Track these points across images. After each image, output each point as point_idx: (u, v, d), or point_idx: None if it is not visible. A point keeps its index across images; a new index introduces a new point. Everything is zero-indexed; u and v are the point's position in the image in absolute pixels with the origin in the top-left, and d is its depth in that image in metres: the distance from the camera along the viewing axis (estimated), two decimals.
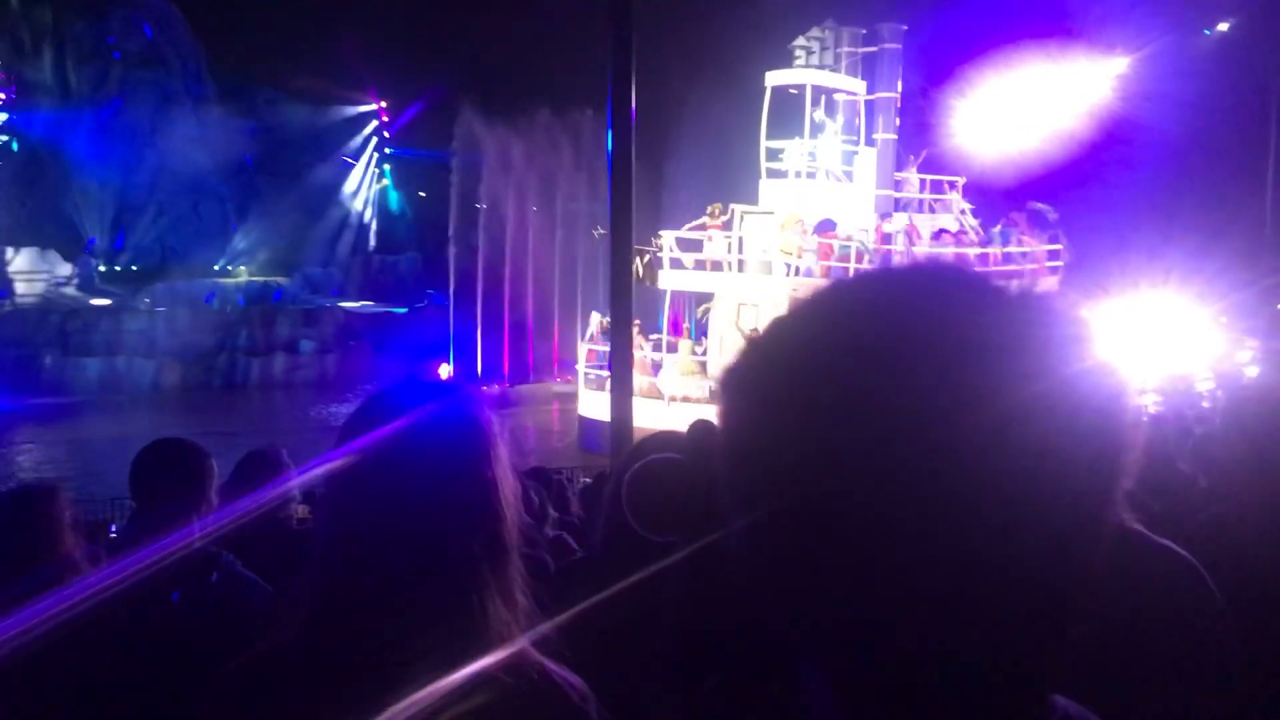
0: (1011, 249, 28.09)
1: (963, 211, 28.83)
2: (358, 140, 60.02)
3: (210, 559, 3.34)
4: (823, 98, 26.84)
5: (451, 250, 41.01)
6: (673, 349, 24.95)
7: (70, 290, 44.22)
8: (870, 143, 27.53)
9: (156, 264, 47.85)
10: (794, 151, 26.46)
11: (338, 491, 1.64)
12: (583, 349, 26.42)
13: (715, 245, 24.98)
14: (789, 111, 26.40)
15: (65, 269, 45.37)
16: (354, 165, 59.60)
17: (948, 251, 25.73)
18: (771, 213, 25.52)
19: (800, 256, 24.26)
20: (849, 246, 24.53)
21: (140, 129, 48.80)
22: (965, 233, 27.35)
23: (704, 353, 25.28)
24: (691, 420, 2.67)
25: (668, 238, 25.19)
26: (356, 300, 50.04)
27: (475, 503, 1.61)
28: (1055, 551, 0.71)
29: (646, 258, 24.94)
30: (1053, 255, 28.73)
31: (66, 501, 3.35)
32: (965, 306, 0.74)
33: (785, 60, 27.54)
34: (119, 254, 48.64)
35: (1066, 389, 0.71)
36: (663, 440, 2.95)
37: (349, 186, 58.97)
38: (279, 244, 51.19)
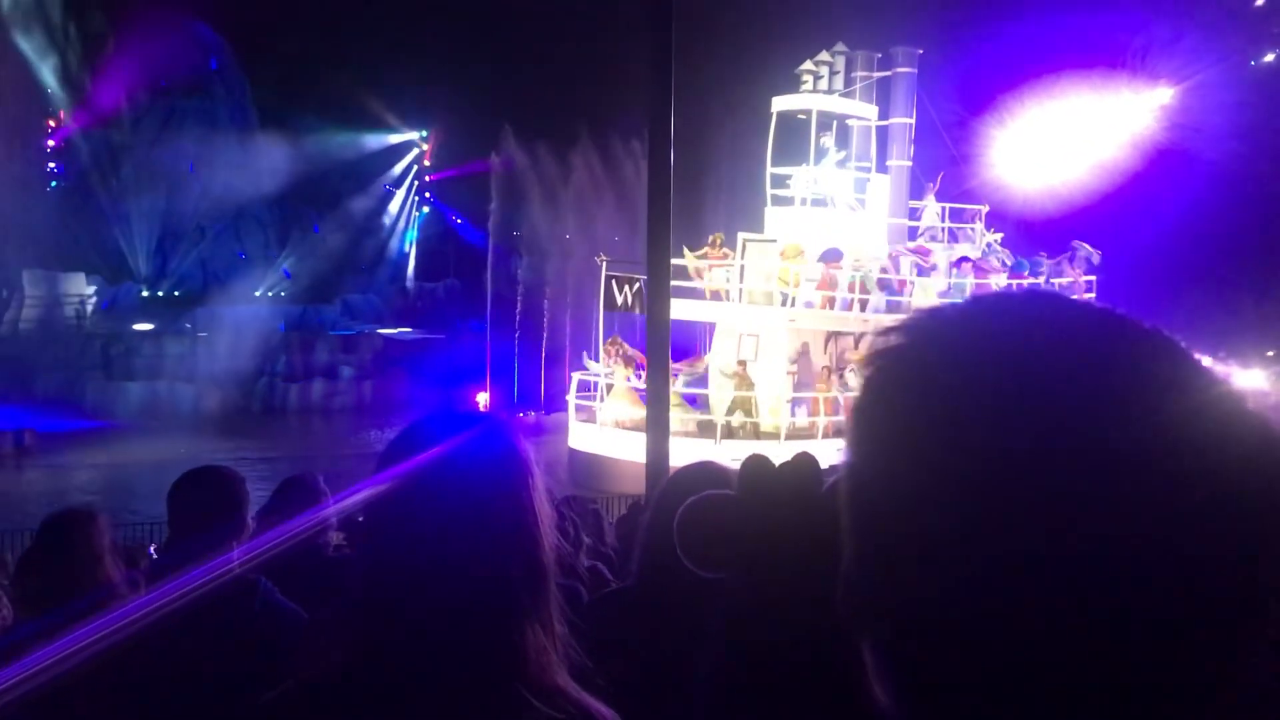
0: (1047, 280, 27.10)
1: (989, 243, 28.01)
2: (398, 168, 60.66)
3: (249, 586, 3.35)
4: (834, 124, 26.16)
5: (489, 277, 41.26)
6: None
7: (113, 315, 44.86)
8: (884, 169, 26.76)
9: (199, 289, 48.46)
10: (801, 178, 25.75)
11: (376, 520, 1.65)
12: (575, 378, 25.64)
13: (715, 276, 24.44)
14: (805, 138, 25.87)
15: (109, 293, 46.08)
16: (394, 193, 60.22)
17: (968, 282, 25.15)
18: (774, 241, 25.00)
19: (798, 286, 23.64)
20: (854, 276, 23.95)
21: (184, 156, 49.59)
22: (988, 261, 26.58)
23: (696, 383, 24.59)
24: (745, 455, 2.65)
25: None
26: (395, 326, 50.39)
27: (513, 532, 1.61)
28: (1207, 637, 0.66)
29: (636, 286, 24.15)
30: (1090, 288, 27.84)
31: (106, 525, 3.38)
32: (1122, 345, 0.70)
33: (795, 85, 26.94)
34: (162, 279, 49.33)
35: (1231, 444, 0.66)
36: (700, 472, 2.93)
37: (389, 214, 59.61)
38: (319, 270, 51.73)
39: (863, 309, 24.00)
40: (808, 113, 25.65)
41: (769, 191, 25.89)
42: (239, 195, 49.47)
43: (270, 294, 50.42)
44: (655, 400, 7.38)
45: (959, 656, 0.69)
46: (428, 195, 61.99)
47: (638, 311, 24.23)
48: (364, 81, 53.80)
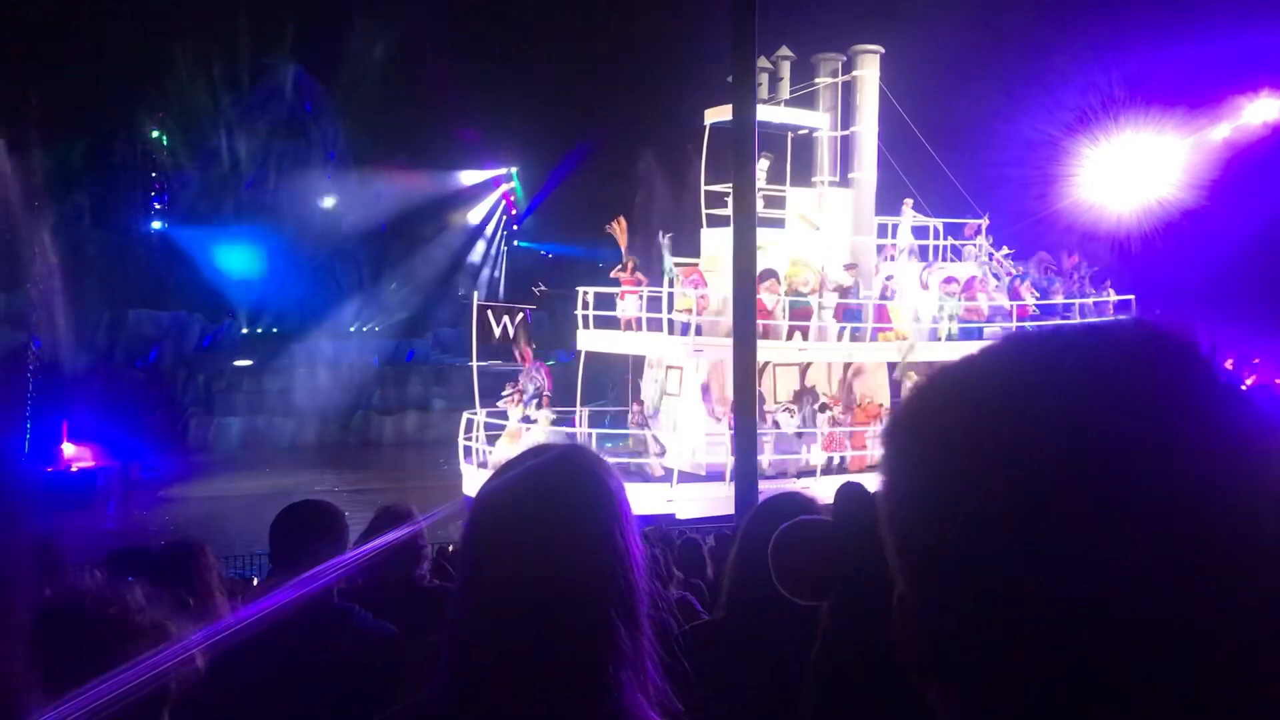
0: (1053, 300, 24.65)
1: (990, 257, 25.35)
2: (487, 203, 61.53)
3: (342, 615, 3.41)
4: (790, 136, 23.80)
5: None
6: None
7: (215, 352, 46.11)
8: (846, 183, 24.16)
9: (295, 326, 49.61)
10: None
11: (472, 556, 1.65)
12: (465, 417, 23.70)
13: (627, 304, 22.56)
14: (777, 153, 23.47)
15: (210, 331, 47.40)
16: (484, 227, 61.09)
17: (955, 303, 23.05)
18: (696, 264, 23.17)
19: (700, 313, 21.52)
20: (789, 302, 21.75)
21: (281, 196, 50.98)
22: (975, 281, 24.02)
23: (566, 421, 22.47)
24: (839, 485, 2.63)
25: (585, 294, 23.04)
26: (486, 359, 50.87)
27: (610, 569, 1.60)
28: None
29: (519, 316, 22.96)
30: (1122, 307, 25.10)
31: (214, 559, 3.47)
32: (1162, 370, 0.71)
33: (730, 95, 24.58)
34: (260, 316, 50.61)
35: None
36: (786, 500, 2.93)
37: (478, 248, 60.47)
38: (412, 305, 52.60)
39: (805, 337, 21.98)
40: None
41: (704, 211, 23.76)
42: (333, 232, 50.65)
43: (365, 329, 51.38)
44: (744, 435, 7.37)
45: (1007, 684, 0.70)
46: (515, 229, 62.74)
47: (523, 344, 23.22)
48: (453, 119, 54.81)
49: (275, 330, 49.40)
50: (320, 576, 3.30)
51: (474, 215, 60.74)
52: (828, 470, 21.02)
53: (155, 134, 51.36)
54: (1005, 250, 25.37)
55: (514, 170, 61.55)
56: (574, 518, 1.61)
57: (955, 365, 0.79)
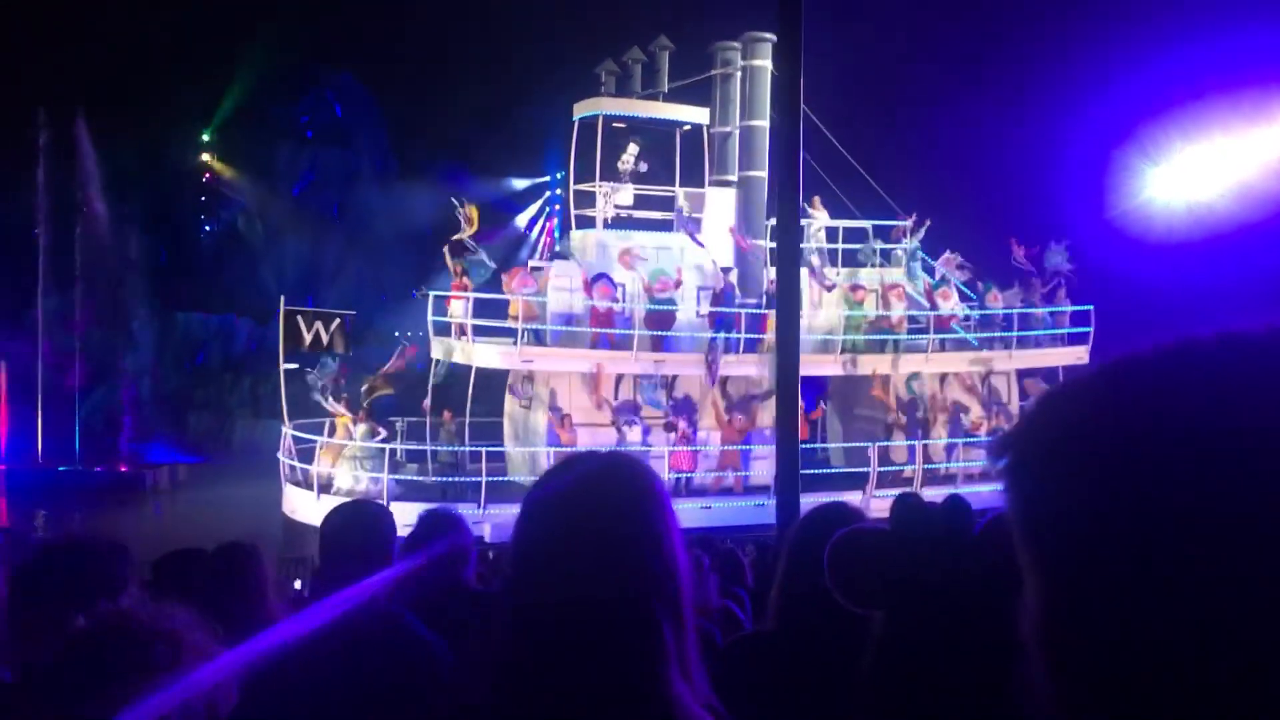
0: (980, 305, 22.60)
1: (926, 262, 23.46)
2: (534, 210, 61.78)
3: (393, 619, 3.42)
4: (678, 131, 22.47)
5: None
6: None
7: (261, 355, 46.62)
8: (730, 183, 22.41)
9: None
10: (606, 195, 22.07)
11: (521, 558, 1.66)
12: (286, 431, 22.58)
13: (454, 308, 22.15)
14: (614, 147, 22.42)
15: (258, 335, 47.94)
16: (530, 233, 61.34)
17: (863, 312, 21.44)
18: (541, 267, 22.50)
19: (529, 319, 20.83)
20: (627, 308, 20.57)
21: (328, 202, 51.44)
22: (897, 288, 22.38)
23: (385, 438, 21.95)
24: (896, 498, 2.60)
25: (432, 299, 22.20)
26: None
27: (657, 573, 1.61)
28: None
29: (335, 322, 22.41)
30: (1080, 319, 22.97)
31: (270, 560, 3.50)
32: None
33: (605, 88, 23.03)
34: None
35: None
36: (834, 511, 2.91)
37: (524, 254, 60.76)
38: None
39: (665, 346, 20.54)
40: (618, 120, 22.33)
41: (573, 211, 23.07)
42: (380, 239, 51.07)
43: (409, 335, 51.71)
44: (785, 446, 7.32)
45: (1160, 689, 0.68)
46: (557, 235, 63.02)
47: (340, 350, 22.60)
48: (498, 127, 55.07)
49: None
50: (368, 590, 3.31)
51: (521, 221, 61.06)
52: (675, 492, 19.24)
53: (206, 137, 52.09)
54: (949, 254, 23.58)
55: (560, 175, 61.82)
56: (628, 518, 1.62)
57: (1094, 377, 0.76)
